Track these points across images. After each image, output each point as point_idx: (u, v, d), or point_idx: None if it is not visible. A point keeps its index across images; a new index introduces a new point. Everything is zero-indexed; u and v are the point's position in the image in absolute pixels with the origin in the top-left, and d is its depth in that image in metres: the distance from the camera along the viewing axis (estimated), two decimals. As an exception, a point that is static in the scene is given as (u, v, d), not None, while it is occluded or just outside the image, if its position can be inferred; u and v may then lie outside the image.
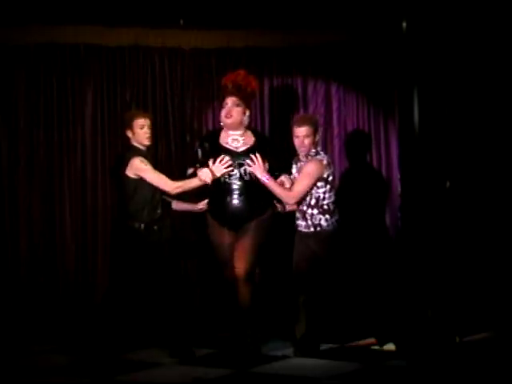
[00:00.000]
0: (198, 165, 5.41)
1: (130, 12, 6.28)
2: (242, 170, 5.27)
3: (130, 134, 5.54)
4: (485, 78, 6.37)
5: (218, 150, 5.31)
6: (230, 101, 5.33)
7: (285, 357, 5.30)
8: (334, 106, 6.78)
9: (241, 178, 5.27)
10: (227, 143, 5.36)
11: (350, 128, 6.77)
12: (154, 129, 5.70)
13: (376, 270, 6.43)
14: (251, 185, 5.26)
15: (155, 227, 5.42)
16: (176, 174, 6.52)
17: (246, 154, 5.28)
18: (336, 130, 6.75)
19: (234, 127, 5.36)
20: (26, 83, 6.38)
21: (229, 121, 5.33)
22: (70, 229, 6.40)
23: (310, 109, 6.72)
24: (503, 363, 4.79)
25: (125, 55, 6.53)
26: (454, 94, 6.42)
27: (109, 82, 6.51)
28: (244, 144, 5.35)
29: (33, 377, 4.96)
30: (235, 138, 5.37)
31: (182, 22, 6.49)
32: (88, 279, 6.36)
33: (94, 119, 6.49)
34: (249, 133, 5.44)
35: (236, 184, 5.26)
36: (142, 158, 5.44)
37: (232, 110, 5.32)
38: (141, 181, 5.42)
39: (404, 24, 6.32)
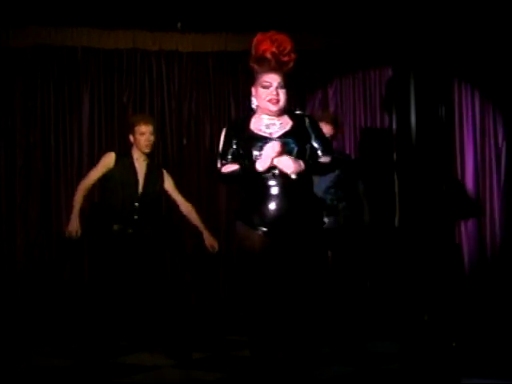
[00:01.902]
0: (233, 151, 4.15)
1: (127, 15, 6.29)
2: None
3: (131, 139, 5.47)
4: (484, 81, 6.39)
5: (246, 138, 4.08)
6: (274, 80, 4.06)
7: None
8: (331, 109, 6.80)
9: (279, 172, 3.99)
10: (260, 130, 4.10)
11: (346, 131, 6.77)
12: (157, 135, 5.63)
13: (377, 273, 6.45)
14: (293, 180, 3.99)
15: (130, 231, 5.32)
16: (172, 177, 6.57)
17: (286, 138, 4.08)
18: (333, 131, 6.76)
19: (278, 114, 4.12)
20: (24, 85, 6.39)
21: (275, 107, 4.07)
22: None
23: (307, 112, 6.72)
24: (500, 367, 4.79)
25: (122, 58, 6.55)
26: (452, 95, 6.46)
27: (106, 85, 6.52)
28: (280, 128, 4.11)
29: (30, 380, 4.94)
30: (270, 123, 4.11)
31: (179, 25, 6.50)
32: (85, 280, 6.36)
33: (91, 122, 6.50)
34: (286, 115, 4.17)
35: (273, 179, 4.00)
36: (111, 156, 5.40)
37: (278, 94, 4.06)
38: (107, 181, 5.40)
39: (401, 28, 6.36)
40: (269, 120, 4.11)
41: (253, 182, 3.99)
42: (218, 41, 6.67)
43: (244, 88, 6.76)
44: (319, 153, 4.10)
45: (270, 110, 4.08)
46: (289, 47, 4.04)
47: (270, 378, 3.92)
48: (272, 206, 3.95)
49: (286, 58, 4.04)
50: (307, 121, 4.16)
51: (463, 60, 6.37)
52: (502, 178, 6.37)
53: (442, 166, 6.30)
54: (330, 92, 6.81)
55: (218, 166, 4.12)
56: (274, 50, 4.02)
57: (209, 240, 5.54)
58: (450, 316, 5.78)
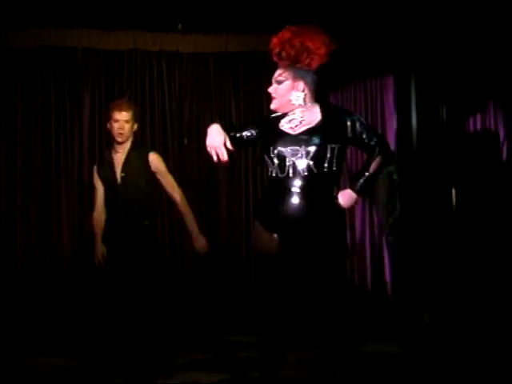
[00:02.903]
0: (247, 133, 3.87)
1: (128, 16, 6.29)
2: (295, 159, 3.68)
3: (108, 127, 4.99)
4: (482, 83, 6.40)
5: (270, 134, 3.78)
6: (277, 73, 3.82)
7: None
8: (297, 49, 6.79)
9: (294, 171, 3.69)
10: (282, 125, 3.77)
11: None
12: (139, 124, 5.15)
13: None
14: (311, 180, 3.69)
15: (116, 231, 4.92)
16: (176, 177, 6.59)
17: (307, 135, 3.71)
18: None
19: (282, 110, 3.83)
20: (24, 86, 6.39)
21: (272, 105, 3.85)
22: (66, 230, 6.41)
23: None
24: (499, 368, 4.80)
25: (123, 59, 6.55)
26: (452, 95, 6.46)
27: (106, 86, 6.53)
28: (303, 124, 3.75)
29: (30, 380, 4.94)
30: (293, 118, 3.77)
31: (180, 26, 6.51)
32: (85, 280, 6.36)
33: (91, 122, 6.50)
34: (315, 108, 3.79)
35: (289, 180, 3.68)
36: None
37: (276, 89, 3.80)
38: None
39: (402, 29, 6.37)
40: (291, 114, 3.78)
41: (273, 181, 3.73)
42: (218, 41, 6.68)
43: (244, 88, 6.78)
44: (372, 154, 3.72)
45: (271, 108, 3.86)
46: (296, 40, 3.75)
47: (277, 379, 3.91)
48: (289, 210, 3.66)
49: (296, 51, 3.76)
50: (344, 117, 3.74)
51: (464, 61, 6.38)
52: (504, 176, 6.38)
53: (444, 167, 6.30)
54: (331, 95, 6.82)
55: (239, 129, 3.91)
56: (281, 40, 3.79)
57: (197, 241, 5.06)
58: (450, 317, 5.79)
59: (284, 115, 3.80)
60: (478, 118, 6.42)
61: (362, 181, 3.72)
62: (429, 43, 6.34)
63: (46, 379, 4.95)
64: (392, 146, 6.59)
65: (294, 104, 3.77)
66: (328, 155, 3.68)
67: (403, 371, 4.95)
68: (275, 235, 3.72)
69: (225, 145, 3.73)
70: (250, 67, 6.72)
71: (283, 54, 3.77)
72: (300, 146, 3.67)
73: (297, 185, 3.66)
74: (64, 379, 4.97)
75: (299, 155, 3.66)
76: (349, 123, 3.71)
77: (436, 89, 6.35)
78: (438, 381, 4.68)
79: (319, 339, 5.61)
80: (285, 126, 3.77)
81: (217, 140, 3.77)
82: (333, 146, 3.69)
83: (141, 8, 6.21)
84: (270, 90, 3.81)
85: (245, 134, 3.86)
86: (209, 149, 3.80)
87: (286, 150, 3.68)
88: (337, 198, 3.73)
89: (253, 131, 3.85)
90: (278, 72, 3.80)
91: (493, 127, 6.40)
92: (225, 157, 3.71)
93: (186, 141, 6.64)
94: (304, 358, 5.41)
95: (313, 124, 3.72)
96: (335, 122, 3.72)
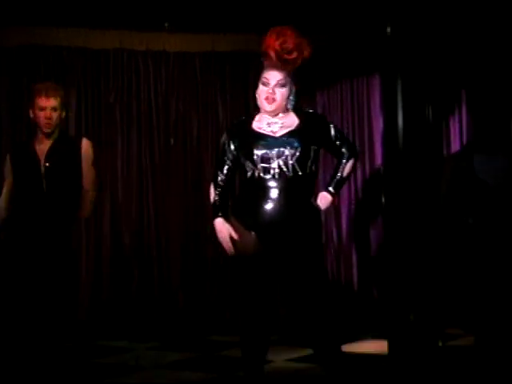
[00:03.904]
0: (229, 163, 3.95)
1: (114, 15, 6.25)
2: (281, 161, 3.80)
3: (31, 114, 4.59)
4: (472, 81, 6.43)
5: (248, 137, 3.88)
6: (273, 78, 3.86)
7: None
8: (319, 110, 6.82)
9: (280, 172, 3.81)
10: (261, 128, 3.90)
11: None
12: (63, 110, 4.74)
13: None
14: (295, 181, 3.82)
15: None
16: (158, 178, 6.58)
17: (290, 138, 3.84)
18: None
19: (276, 113, 3.92)
20: (10, 85, 6.34)
21: (270, 107, 3.88)
22: None
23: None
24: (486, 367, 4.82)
25: (109, 58, 6.51)
26: (438, 95, 6.48)
27: (92, 85, 6.49)
28: (283, 127, 3.88)
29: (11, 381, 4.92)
30: (272, 121, 3.88)
31: (166, 25, 6.49)
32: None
33: (77, 122, 6.46)
34: (291, 114, 3.95)
35: (273, 181, 3.80)
36: None
37: (274, 93, 3.87)
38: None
39: (388, 28, 6.37)
40: (270, 118, 3.90)
41: (256, 182, 3.82)
42: (205, 41, 6.66)
43: (231, 88, 6.78)
44: (343, 158, 3.96)
45: (264, 109, 3.89)
46: (292, 45, 3.82)
47: (260, 378, 3.92)
48: (268, 209, 3.78)
49: (288, 56, 3.82)
50: (321, 122, 3.98)
51: (450, 60, 6.40)
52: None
53: (430, 167, 6.32)
54: (318, 95, 6.83)
55: (214, 178, 3.95)
56: (276, 46, 3.82)
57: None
58: (435, 315, 5.81)
59: (253, 118, 3.95)
60: (464, 117, 6.46)
61: (335, 183, 3.97)
62: (415, 43, 6.35)
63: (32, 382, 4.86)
64: (378, 146, 6.66)
65: (288, 108, 3.93)
66: (311, 156, 3.84)
67: (390, 370, 4.97)
68: (253, 234, 3.79)
69: (231, 236, 3.85)
70: (237, 67, 6.71)
71: (291, 58, 3.85)
72: (285, 148, 3.80)
73: (281, 185, 3.78)
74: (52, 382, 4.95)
75: (284, 157, 3.78)
76: (325, 127, 3.95)
77: (422, 89, 6.36)
78: (425, 379, 4.70)
79: (304, 338, 5.67)
80: (265, 128, 3.88)
81: (224, 236, 3.89)
82: (314, 147, 3.85)
83: (127, 7, 6.18)
84: (276, 92, 3.85)
85: (232, 160, 3.93)
86: (223, 244, 3.91)
87: (272, 152, 3.80)
88: (315, 199, 3.91)
89: (231, 153, 3.92)
90: (280, 75, 3.86)
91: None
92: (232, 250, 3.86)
93: (172, 141, 6.64)
94: (291, 357, 5.44)
95: (293, 127, 3.88)
96: (313, 125, 3.90)
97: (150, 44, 6.59)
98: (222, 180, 3.92)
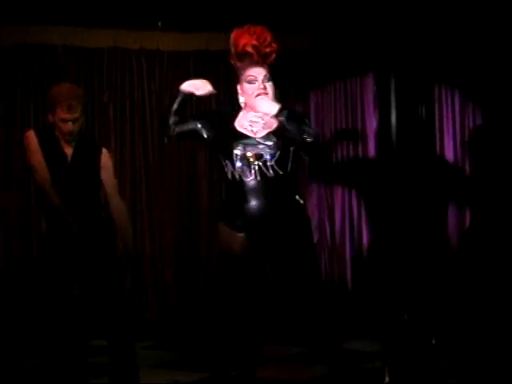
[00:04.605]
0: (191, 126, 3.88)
1: (108, 13, 6.26)
2: (260, 162, 3.76)
3: (50, 119, 4.28)
4: (464, 80, 6.45)
5: (227, 135, 3.83)
6: (260, 74, 3.82)
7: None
8: (312, 108, 6.83)
9: (261, 173, 3.77)
10: (242, 126, 3.85)
11: (327, 130, 6.80)
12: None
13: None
14: (276, 181, 3.79)
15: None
16: (152, 176, 6.59)
17: (267, 140, 3.80)
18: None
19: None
20: (3, 84, 6.34)
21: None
22: None
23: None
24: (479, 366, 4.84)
25: (103, 57, 6.53)
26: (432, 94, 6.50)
27: (86, 84, 6.47)
28: (265, 127, 3.83)
29: (13, 380, 4.92)
30: (254, 120, 3.84)
31: (160, 24, 6.50)
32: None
33: (71, 121, 6.48)
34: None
35: (255, 182, 3.77)
36: None
37: (265, 87, 3.81)
38: None
39: (382, 28, 6.39)
40: (254, 117, 3.83)
41: (237, 184, 3.78)
42: (198, 40, 6.68)
43: (225, 87, 6.78)
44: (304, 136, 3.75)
45: (252, 104, 3.80)
46: (269, 38, 3.80)
47: (251, 377, 3.93)
48: (253, 209, 3.74)
49: (267, 49, 3.80)
50: (285, 115, 3.75)
51: (443, 60, 6.42)
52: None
53: (423, 164, 6.34)
54: (312, 94, 6.84)
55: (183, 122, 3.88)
56: (254, 42, 3.78)
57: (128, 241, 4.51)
58: (429, 314, 5.82)
59: (235, 113, 3.88)
60: (457, 117, 6.47)
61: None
62: (408, 42, 6.37)
63: (22, 380, 4.95)
64: (371, 144, 6.67)
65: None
66: (290, 157, 3.78)
67: (383, 368, 4.98)
68: (241, 235, 3.76)
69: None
70: (230, 65, 6.69)
71: (270, 51, 3.81)
72: (264, 150, 3.75)
73: (263, 186, 3.74)
74: (40, 380, 4.95)
75: (264, 159, 3.74)
76: (302, 126, 3.77)
77: (415, 88, 6.38)
78: (418, 377, 4.71)
79: (300, 336, 5.68)
80: (246, 126, 3.83)
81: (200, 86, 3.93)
82: (292, 148, 3.78)
83: (121, 6, 6.20)
84: (267, 86, 3.80)
85: (190, 126, 3.88)
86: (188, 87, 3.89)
87: (251, 154, 3.75)
88: (300, 196, 3.85)
89: (198, 124, 3.87)
90: (264, 70, 3.82)
91: (471, 126, 6.46)
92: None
93: (165, 139, 6.62)
94: (285, 356, 5.45)
95: (273, 127, 3.80)
96: (291, 125, 3.75)
97: (143, 43, 6.61)
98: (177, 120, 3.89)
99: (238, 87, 3.90)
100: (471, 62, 6.33)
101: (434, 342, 5.59)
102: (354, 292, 6.59)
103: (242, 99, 3.88)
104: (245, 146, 3.77)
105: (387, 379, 4.78)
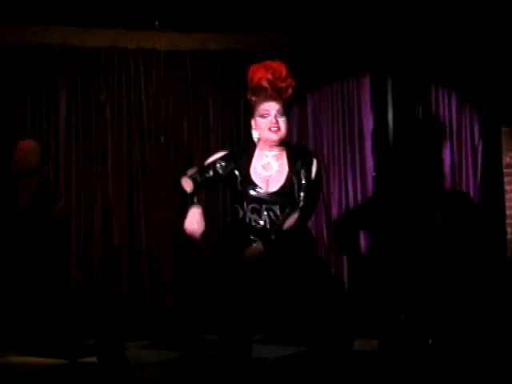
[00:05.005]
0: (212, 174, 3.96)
1: (105, 13, 6.25)
2: (271, 213, 3.86)
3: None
4: (461, 81, 6.46)
5: (242, 183, 3.87)
6: (272, 108, 3.86)
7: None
8: (309, 109, 6.83)
9: (270, 220, 3.85)
10: (256, 171, 3.89)
11: (324, 130, 6.81)
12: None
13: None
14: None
15: None
16: (149, 176, 6.59)
17: (278, 197, 3.85)
18: (311, 132, 6.80)
19: (279, 144, 3.90)
20: (0, 84, 6.33)
21: (276, 136, 3.85)
22: None
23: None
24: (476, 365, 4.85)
25: (100, 56, 6.51)
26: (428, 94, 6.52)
27: (83, 84, 6.49)
28: (277, 177, 3.88)
29: (8, 379, 4.92)
30: (268, 162, 3.91)
31: (157, 23, 6.49)
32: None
33: (68, 120, 6.46)
34: (284, 152, 3.93)
35: (264, 224, 3.85)
36: None
37: (277, 122, 3.85)
38: None
39: (379, 29, 6.41)
40: (267, 157, 3.90)
41: (243, 221, 3.86)
42: (195, 39, 6.65)
43: (222, 87, 6.79)
44: (294, 208, 3.84)
45: (271, 140, 3.86)
46: (284, 72, 3.87)
47: (243, 376, 3.93)
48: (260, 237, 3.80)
49: (283, 84, 3.87)
50: (306, 161, 3.88)
51: (440, 60, 6.44)
52: (479, 175, 6.44)
53: (420, 164, 6.36)
54: (309, 95, 6.84)
55: (195, 173, 3.95)
56: (269, 76, 3.85)
57: None
58: (425, 314, 5.84)
59: (254, 151, 3.91)
60: (454, 118, 6.49)
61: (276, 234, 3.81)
62: (405, 43, 6.39)
63: (23, 380, 4.92)
64: (368, 145, 6.68)
65: (287, 137, 3.92)
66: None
67: (380, 368, 4.99)
68: (257, 244, 3.79)
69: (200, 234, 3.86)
70: (228, 65, 6.72)
71: (285, 85, 3.87)
72: (275, 204, 3.83)
73: (271, 226, 3.82)
74: (43, 380, 4.95)
75: (273, 212, 3.83)
76: (308, 167, 3.86)
77: (412, 88, 6.40)
78: (415, 376, 4.72)
79: (298, 336, 5.68)
80: (260, 171, 3.87)
81: (194, 229, 3.87)
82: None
83: (118, 5, 6.19)
84: (279, 122, 3.84)
85: (217, 172, 3.92)
86: (186, 231, 3.90)
87: (262, 207, 3.83)
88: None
89: (223, 169, 3.92)
90: (277, 105, 3.86)
91: (468, 127, 6.47)
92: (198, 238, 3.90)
93: (162, 139, 6.65)
94: (280, 356, 5.45)
95: (283, 179, 3.85)
96: (299, 166, 3.86)
97: (140, 42, 6.59)
98: (201, 179, 3.92)
99: (252, 122, 3.92)
100: (468, 62, 6.35)
101: (430, 341, 5.60)
102: (351, 292, 6.59)
103: (255, 134, 3.91)
104: (258, 200, 3.84)
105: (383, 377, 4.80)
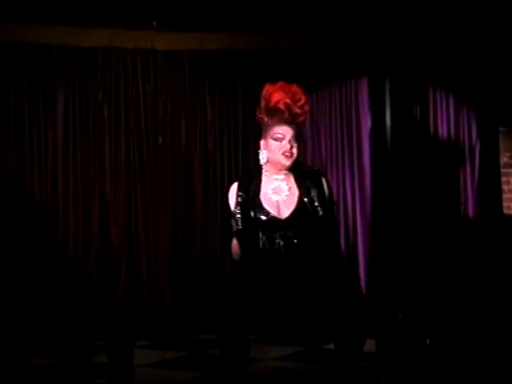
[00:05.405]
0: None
1: (102, 13, 6.26)
2: (286, 239, 3.81)
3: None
4: (458, 82, 6.48)
5: (253, 205, 3.82)
6: (287, 133, 3.80)
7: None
8: (307, 109, 6.83)
9: (285, 245, 3.79)
10: (267, 195, 3.83)
11: (322, 131, 6.82)
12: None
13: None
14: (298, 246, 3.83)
15: None
16: (147, 176, 6.60)
17: (291, 222, 3.80)
18: (309, 133, 6.80)
19: (289, 168, 3.86)
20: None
21: (289, 162, 3.80)
22: None
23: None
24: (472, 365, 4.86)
25: (97, 56, 6.52)
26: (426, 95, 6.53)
27: (81, 83, 6.50)
28: (288, 201, 3.82)
29: (10, 380, 4.92)
30: (278, 186, 3.85)
31: (155, 23, 6.49)
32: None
33: (65, 120, 6.47)
34: (291, 175, 3.88)
35: (278, 249, 3.81)
36: None
37: (292, 147, 3.80)
38: None
39: (377, 30, 6.42)
40: (277, 181, 3.84)
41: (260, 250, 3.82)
42: (193, 39, 6.66)
43: (219, 86, 6.79)
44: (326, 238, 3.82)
45: (282, 165, 3.81)
46: (303, 99, 3.83)
47: (242, 376, 3.93)
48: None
49: (299, 111, 3.81)
50: (309, 182, 3.85)
51: (437, 61, 6.45)
52: (476, 175, 6.46)
53: (417, 164, 6.37)
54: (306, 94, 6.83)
55: (234, 228, 3.83)
56: (287, 100, 3.78)
57: None
58: (423, 314, 5.84)
59: (261, 173, 3.86)
60: (452, 118, 6.50)
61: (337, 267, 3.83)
62: (403, 44, 6.40)
63: (26, 380, 4.93)
64: (366, 145, 6.69)
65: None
66: (313, 228, 3.81)
67: (378, 367, 5.00)
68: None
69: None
70: (225, 65, 6.73)
71: (301, 112, 3.83)
72: (289, 230, 3.76)
73: (285, 250, 3.77)
74: (45, 380, 4.94)
75: (289, 237, 3.77)
76: (315, 192, 3.83)
77: (410, 88, 6.41)
78: (413, 376, 4.72)
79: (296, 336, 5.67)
80: (270, 195, 3.81)
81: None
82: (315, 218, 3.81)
83: (116, 5, 6.20)
84: (293, 147, 3.80)
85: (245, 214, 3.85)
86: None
87: (276, 234, 3.76)
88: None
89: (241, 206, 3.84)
90: (292, 130, 3.81)
91: (466, 127, 6.49)
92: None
93: (160, 139, 6.65)
94: (277, 356, 5.46)
95: (295, 203, 3.80)
96: (310, 188, 3.82)
97: (138, 42, 6.60)
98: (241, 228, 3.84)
99: (262, 142, 3.86)
100: (465, 63, 6.37)
101: (428, 341, 5.60)
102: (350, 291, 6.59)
103: (263, 154, 3.85)
104: (271, 227, 3.77)
105: (382, 379, 4.79)
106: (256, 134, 6.50)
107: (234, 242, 3.83)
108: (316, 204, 3.80)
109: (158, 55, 6.64)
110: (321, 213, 3.80)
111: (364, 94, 6.71)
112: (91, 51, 6.50)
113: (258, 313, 3.92)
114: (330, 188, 3.91)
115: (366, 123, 6.69)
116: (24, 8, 6.14)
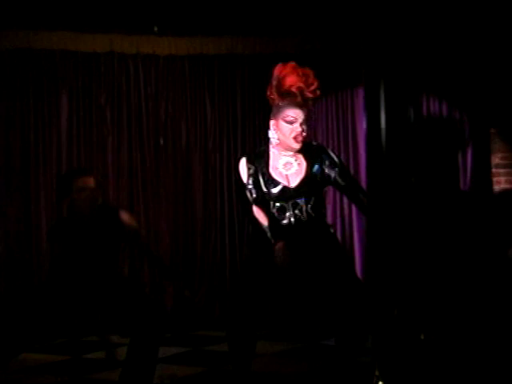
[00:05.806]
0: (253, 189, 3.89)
1: (105, 19, 6.34)
2: (297, 210, 3.85)
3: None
4: (450, 84, 6.54)
5: (265, 183, 3.85)
6: (299, 116, 3.81)
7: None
8: (318, 94, 6.88)
9: (296, 218, 3.84)
10: (277, 169, 3.88)
11: (319, 132, 6.87)
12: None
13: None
14: (309, 221, 3.86)
15: None
16: (149, 178, 6.69)
17: (301, 189, 3.84)
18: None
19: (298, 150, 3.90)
20: (3, 88, 6.41)
21: (299, 145, 3.84)
22: (45, 231, 6.38)
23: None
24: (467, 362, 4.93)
25: (100, 61, 6.60)
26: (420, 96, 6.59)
27: (84, 88, 6.57)
28: (297, 172, 3.86)
29: (10, 375, 5.01)
30: (288, 162, 3.88)
31: (156, 28, 6.57)
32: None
33: (69, 124, 6.56)
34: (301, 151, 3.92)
35: (288, 222, 3.84)
36: None
37: (303, 130, 3.82)
38: None
39: (371, 33, 6.49)
40: (286, 157, 3.87)
41: (272, 218, 3.85)
42: (194, 44, 6.74)
43: (219, 90, 6.85)
44: (360, 195, 3.92)
45: (292, 148, 3.83)
46: (316, 84, 3.82)
47: (248, 372, 3.99)
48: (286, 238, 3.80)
49: (311, 95, 3.81)
50: (323, 157, 3.88)
51: (430, 64, 6.51)
52: (468, 175, 6.51)
53: (411, 165, 6.43)
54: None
55: (250, 199, 3.87)
56: (301, 85, 3.77)
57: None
58: (418, 310, 5.91)
59: (269, 150, 3.89)
60: (444, 120, 6.56)
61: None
62: (397, 51, 6.46)
63: (25, 375, 4.99)
64: (362, 147, 6.75)
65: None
66: (323, 198, 3.94)
67: (373, 363, 5.07)
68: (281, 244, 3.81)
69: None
70: (225, 69, 6.79)
71: (313, 96, 3.85)
72: (300, 199, 3.82)
73: (297, 226, 3.83)
74: (43, 375, 5.01)
75: (300, 206, 3.82)
76: (327, 162, 3.88)
77: (404, 90, 6.48)
78: (408, 373, 4.81)
79: (294, 332, 5.72)
80: (280, 169, 3.87)
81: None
82: (325, 189, 3.94)
83: (118, 11, 6.26)
84: (299, 129, 3.81)
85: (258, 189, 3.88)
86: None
87: (288, 205, 3.82)
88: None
89: (253, 181, 3.88)
90: (303, 113, 3.83)
91: (457, 128, 6.55)
92: None
93: (161, 141, 6.72)
94: (277, 352, 5.54)
95: (303, 172, 3.86)
96: (318, 163, 3.88)
97: (140, 47, 6.68)
98: (257, 201, 3.88)
99: (272, 122, 3.86)
100: (457, 66, 6.43)
101: (422, 337, 5.67)
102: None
103: (273, 134, 3.86)
104: (283, 196, 3.82)
105: (377, 373, 4.87)
106: (255, 136, 6.69)
107: (255, 208, 3.86)
108: (333, 174, 3.85)
109: (159, 60, 6.71)
110: (342, 179, 3.87)
111: (359, 96, 6.76)
112: (94, 56, 6.58)
113: (265, 307, 4.00)
114: (338, 156, 3.96)
115: (362, 126, 6.74)
116: (29, 15, 6.20)
